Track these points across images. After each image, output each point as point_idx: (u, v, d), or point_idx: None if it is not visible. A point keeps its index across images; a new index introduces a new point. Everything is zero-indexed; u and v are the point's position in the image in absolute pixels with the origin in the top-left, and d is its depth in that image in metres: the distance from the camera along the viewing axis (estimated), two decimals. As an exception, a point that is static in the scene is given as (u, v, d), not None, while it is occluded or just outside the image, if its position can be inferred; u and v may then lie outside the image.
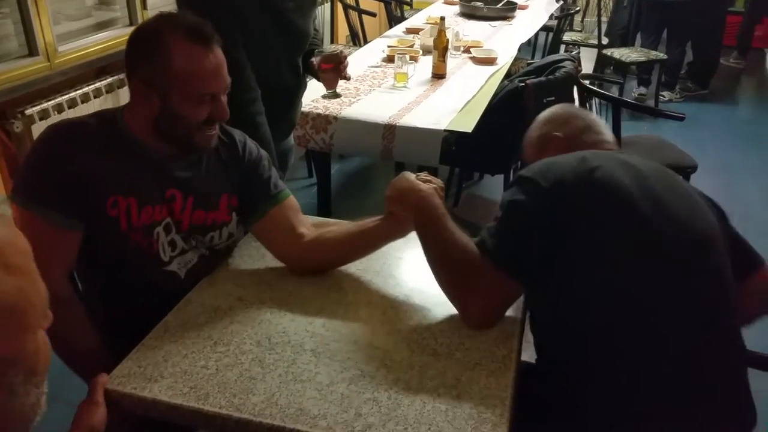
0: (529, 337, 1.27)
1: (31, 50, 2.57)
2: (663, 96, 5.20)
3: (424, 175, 1.39)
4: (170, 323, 1.25)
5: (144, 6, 3.13)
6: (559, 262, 1.15)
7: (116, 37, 2.99)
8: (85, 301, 1.37)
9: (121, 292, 1.35)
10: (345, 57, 2.01)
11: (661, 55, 4.98)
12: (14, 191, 1.24)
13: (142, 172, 1.29)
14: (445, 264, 1.26)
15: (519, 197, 1.20)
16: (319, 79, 2.09)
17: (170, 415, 1.05)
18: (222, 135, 1.41)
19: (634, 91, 5.27)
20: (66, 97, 2.61)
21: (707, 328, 1.13)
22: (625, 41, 5.31)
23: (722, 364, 1.14)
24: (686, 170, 2.84)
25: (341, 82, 2.11)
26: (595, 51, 5.15)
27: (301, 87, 2.04)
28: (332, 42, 4.99)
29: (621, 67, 4.97)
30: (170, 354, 1.15)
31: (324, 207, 2.74)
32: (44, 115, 2.53)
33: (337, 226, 1.45)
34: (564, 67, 2.83)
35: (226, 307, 1.30)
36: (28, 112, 2.47)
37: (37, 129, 2.49)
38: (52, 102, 2.56)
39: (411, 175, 1.38)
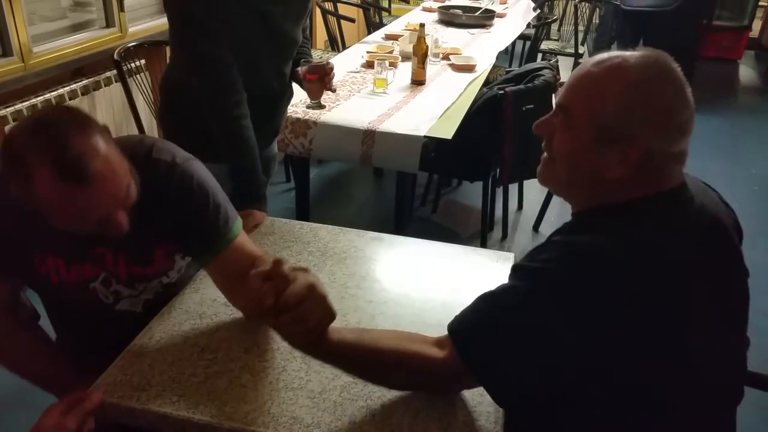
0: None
1: (5, 51, 2.51)
2: None
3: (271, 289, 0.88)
4: (155, 330, 1.22)
5: (121, 8, 3.08)
6: (554, 403, 0.92)
7: (92, 38, 2.94)
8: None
9: (75, 329, 1.34)
10: (331, 69, 2.00)
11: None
12: None
13: (65, 232, 1.10)
14: (381, 382, 1.04)
15: (532, 307, 0.88)
16: (303, 89, 2.08)
17: (159, 425, 1.03)
18: (145, 169, 1.16)
19: None
20: (41, 98, 2.56)
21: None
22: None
23: None
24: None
25: (325, 93, 2.10)
26: (572, 60, 5.22)
27: (287, 94, 2.03)
28: (310, 47, 4.97)
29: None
30: (156, 362, 1.13)
31: (302, 212, 2.72)
32: (18, 116, 2.47)
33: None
34: (543, 75, 2.86)
35: (211, 313, 1.28)
36: (2, 113, 2.42)
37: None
38: (26, 103, 2.51)
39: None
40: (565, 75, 5.69)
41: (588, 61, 0.97)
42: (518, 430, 1.04)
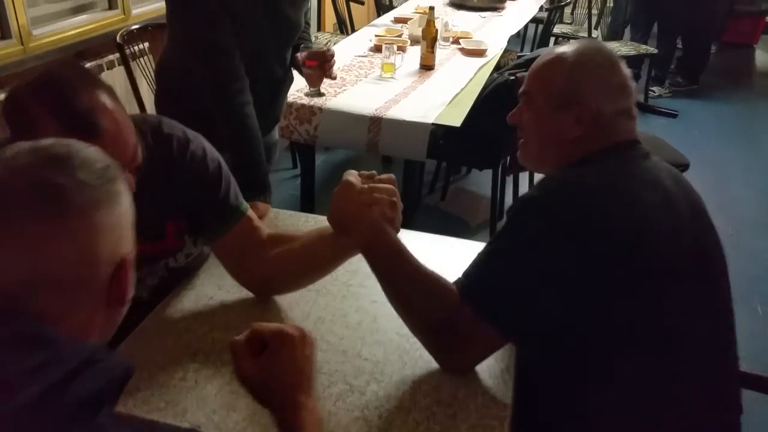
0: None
1: (4, 33, 2.44)
2: (653, 91, 5.17)
3: (368, 181, 1.12)
4: (147, 329, 1.18)
5: (124, -11, 3.02)
6: (565, 329, 0.98)
7: (94, 20, 2.88)
8: None
9: None
10: (332, 56, 1.93)
11: (651, 50, 4.94)
12: None
13: None
14: (409, 310, 1.07)
15: (523, 234, 1.00)
16: (302, 75, 2.02)
17: (145, 432, 0.98)
18: (157, 141, 1.19)
19: None
20: (40, 82, 2.50)
21: (717, 402, 1.06)
22: (638, 39, 5.22)
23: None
24: (678, 168, 2.80)
25: (326, 81, 2.04)
26: (584, 44, 5.11)
27: (287, 80, 1.96)
28: (319, 30, 4.89)
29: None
30: (146, 363, 1.08)
31: (307, 200, 2.67)
32: (17, 101, 2.42)
33: (288, 248, 1.22)
34: (555, 60, 2.77)
35: (207, 312, 1.23)
36: (1, 97, 2.37)
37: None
38: (25, 88, 2.46)
39: (355, 187, 1.09)
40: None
41: (541, 56, 1.18)
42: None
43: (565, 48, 1.16)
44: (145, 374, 1.06)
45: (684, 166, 2.79)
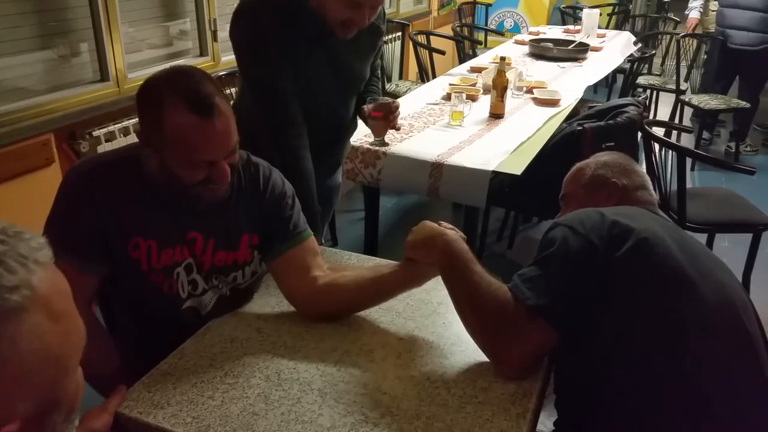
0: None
1: (103, 76, 2.72)
2: (729, 147, 5.00)
3: (444, 224, 1.34)
4: (187, 350, 1.25)
5: (215, 38, 3.26)
6: (596, 314, 1.11)
7: (186, 66, 3.12)
8: (118, 323, 1.42)
9: (143, 323, 1.38)
10: (396, 107, 2.02)
11: (743, 103, 4.73)
12: (44, 234, 1.28)
13: (163, 215, 1.28)
14: (474, 309, 1.22)
15: (554, 243, 1.17)
16: (368, 126, 2.10)
17: (169, 444, 1.05)
18: (246, 167, 1.39)
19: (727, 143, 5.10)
20: (132, 121, 2.73)
21: (752, 399, 1.08)
22: (718, 89, 5.06)
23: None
24: (757, 227, 2.67)
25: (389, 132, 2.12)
26: (672, 96, 4.96)
27: (351, 128, 2.05)
28: (401, 78, 5.03)
29: (706, 114, 4.76)
30: (180, 381, 1.16)
31: (371, 242, 2.73)
32: (110, 137, 2.65)
33: (352, 272, 1.40)
34: (627, 112, 2.73)
35: (243, 337, 1.30)
36: (96, 133, 2.60)
37: (102, 150, 2.61)
38: (118, 125, 2.69)
39: (433, 223, 1.34)
40: (665, 111, 5.37)
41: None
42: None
43: (587, 160, 1.52)
44: (178, 390, 1.13)
45: (763, 226, 2.65)
